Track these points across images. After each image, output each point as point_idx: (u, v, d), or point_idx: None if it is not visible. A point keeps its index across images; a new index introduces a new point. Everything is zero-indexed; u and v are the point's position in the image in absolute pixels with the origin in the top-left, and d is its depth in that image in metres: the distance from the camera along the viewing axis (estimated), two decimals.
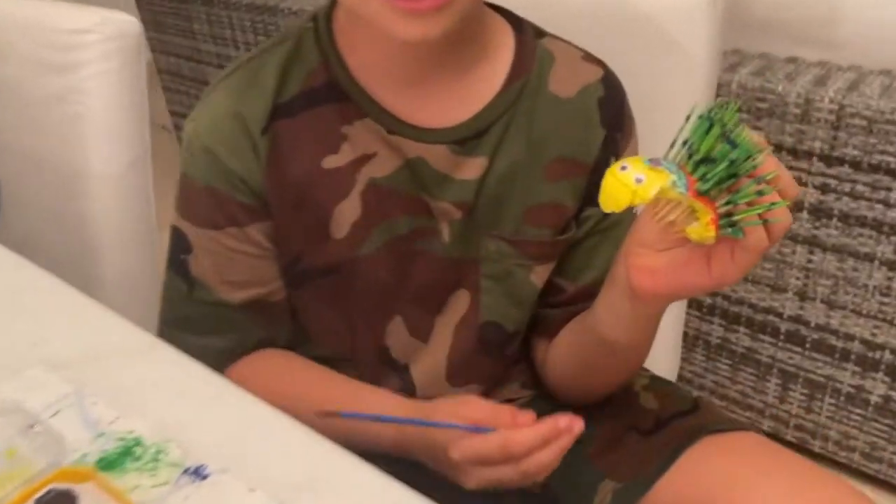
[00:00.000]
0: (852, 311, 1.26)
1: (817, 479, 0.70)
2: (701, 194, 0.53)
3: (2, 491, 0.50)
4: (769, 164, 0.55)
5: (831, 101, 1.16)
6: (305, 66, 0.74)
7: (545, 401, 0.84)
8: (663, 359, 0.95)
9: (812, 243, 1.26)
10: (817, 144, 1.19)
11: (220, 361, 0.77)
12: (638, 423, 0.78)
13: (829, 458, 1.40)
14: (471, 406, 0.68)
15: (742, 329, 1.39)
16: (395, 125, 0.73)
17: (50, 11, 0.97)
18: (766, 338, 1.37)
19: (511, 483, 0.65)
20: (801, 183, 1.23)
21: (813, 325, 1.31)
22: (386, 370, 0.80)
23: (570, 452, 0.64)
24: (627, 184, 0.51)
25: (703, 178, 0.53)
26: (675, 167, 0.53)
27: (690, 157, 0.53)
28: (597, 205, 0.54)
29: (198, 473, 0.52)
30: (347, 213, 0.75)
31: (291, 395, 0.74)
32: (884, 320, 1.24)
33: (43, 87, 0.99)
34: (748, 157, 0.53)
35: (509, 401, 0.85)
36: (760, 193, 0.54)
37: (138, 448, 0.54)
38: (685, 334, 1.44)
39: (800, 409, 1.39)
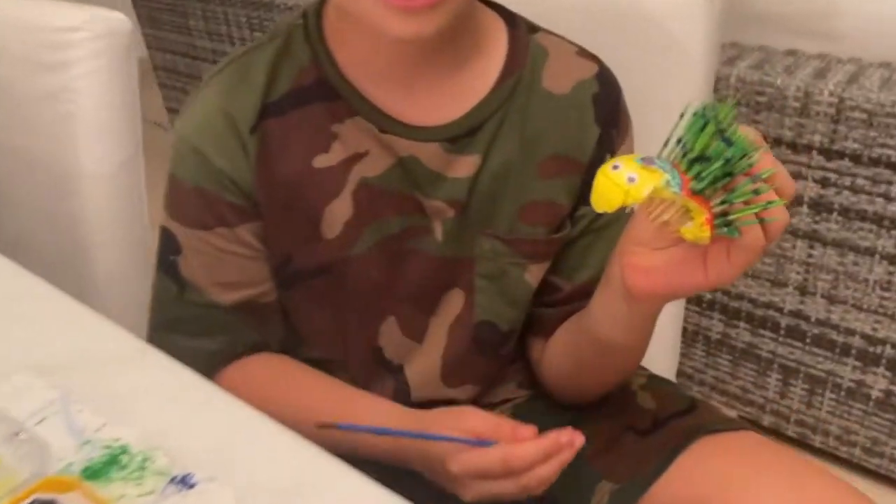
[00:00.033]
0: (853, 305, 1.26)
1: (817, 479, 0.69)
2: (695, 193, 0.52)
3: None
4: (766, 161, 0.53)
5: (831, 95, 1.15)
6: (295, 64, 0.73)
7: (542, 400, 0.83)
8: (661, 357, 0.94)
9: (812, 238, 1.25)
10: (817, 138, 1.18)
11: (211, 364, 0.76)
12: (635, 423, 0.77)
13: (830, 453, 1.39)
14: (470, 418, 0.67)
15: (742, 324, 1.38)
16: (386, 123, 0.72)
17: (38, 10, 0.96)
18: (767, 333, 1.36)
19: (510, 497, 0.65)
20: (800, 177, 1.22)
21: (813, 319, 1.30)
22: (380, 371, 0.79)
23: None
24: (619, 183, 0.50)
25: (697, 177, 0.52)
26: (669, 166, 0.52)
27: (685, 155, 0.52)
28: None
29: (185, 482, 0.51)
30: (339, 212, 0.74)
31: (286, 403, 0.73)
32: (885, 315, 1.23)
33: (33, 86, 0.98)
34: (744, 156, 0.52)
35: (506, 401, 0.84)
36: (757, 192, 0.53)
37: (124, 456, 0.53)
38: (685, 330, 1.43)
39: (801, 404, 1.39)
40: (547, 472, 0.63)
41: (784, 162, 1.25)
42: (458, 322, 0.78)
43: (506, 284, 0.77)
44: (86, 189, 0.99)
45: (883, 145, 1.13)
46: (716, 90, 1.22)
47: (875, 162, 1.15)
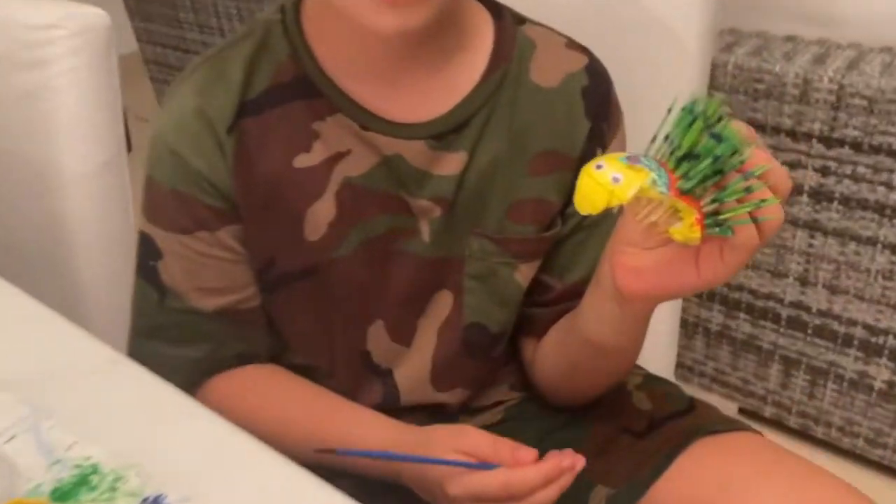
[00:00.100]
0: (854, 295, 1.23)
1: (817, 479, 0.68)
2: (684, 193, 0.50)
3: None
4: (759, 157, 0.51)
5: (831, 81, 1.12)
6: (273, 60, 0.71)
7: (534, 403, 0.81)
8: (658, 355, 0.92)
9: (813, 227, 1.22)
10: (817, 126, 1.15)
11: (195, 373, 0.74)
12: (631, 425, 0.76)
13: (833, 444, 1.37)
14: (469, 438, 0.66)
15: (742, 315, 1.36)
16: (368, 121, 0.70)
17: (14, 7, 0.94)
18: (768, 324, 1.34)
19: None
20: (800, 166, 1.19)
21: (815, 310, 1.28)
22: (368, 375, 0.77)
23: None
24: (604, 184, 0.48)
25: (685, 176, 0.49)
26: (656, 164, 0.49)
27: (672, 153, 0.50)
28: None
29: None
30: (322, 213, 0.71)
31: (278, 419, 0.72)
32: (887, 305, 1.21)
33: (13, 84, 0.96)
34: (734, 153, 0.49)
35: (498, 403, 0.82)
36: (749, 190, 0.50)
37: (95, 477, 0.51)
38: (685, 321, 1.41)
39: (802, 395, 1.37)
40: (547, 496, 0.62)
41: (783, 150, 1.23)
42: (448, 324, 0.76)
43: (495, 285, 0.75)
44: (68, 189, 0.97)
45: (884, 133, 1.10)
46: (713, 78, 1.19)
47: (876, 150, 1.12)
